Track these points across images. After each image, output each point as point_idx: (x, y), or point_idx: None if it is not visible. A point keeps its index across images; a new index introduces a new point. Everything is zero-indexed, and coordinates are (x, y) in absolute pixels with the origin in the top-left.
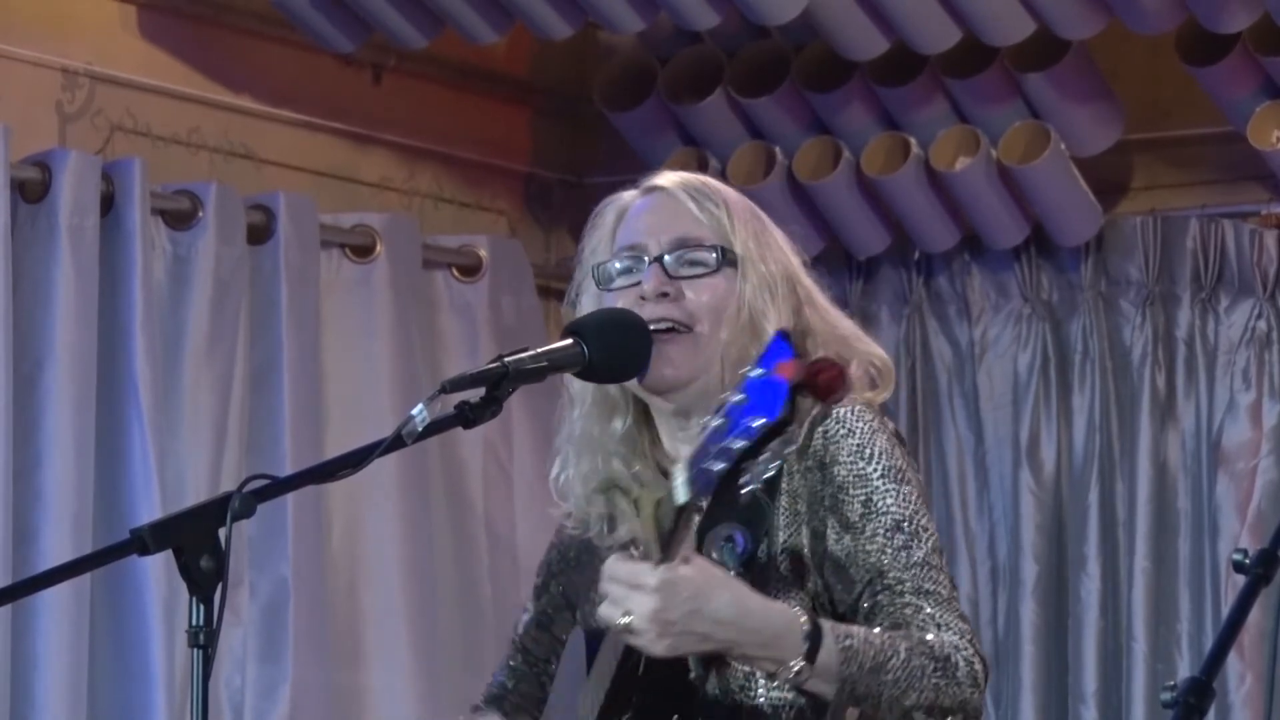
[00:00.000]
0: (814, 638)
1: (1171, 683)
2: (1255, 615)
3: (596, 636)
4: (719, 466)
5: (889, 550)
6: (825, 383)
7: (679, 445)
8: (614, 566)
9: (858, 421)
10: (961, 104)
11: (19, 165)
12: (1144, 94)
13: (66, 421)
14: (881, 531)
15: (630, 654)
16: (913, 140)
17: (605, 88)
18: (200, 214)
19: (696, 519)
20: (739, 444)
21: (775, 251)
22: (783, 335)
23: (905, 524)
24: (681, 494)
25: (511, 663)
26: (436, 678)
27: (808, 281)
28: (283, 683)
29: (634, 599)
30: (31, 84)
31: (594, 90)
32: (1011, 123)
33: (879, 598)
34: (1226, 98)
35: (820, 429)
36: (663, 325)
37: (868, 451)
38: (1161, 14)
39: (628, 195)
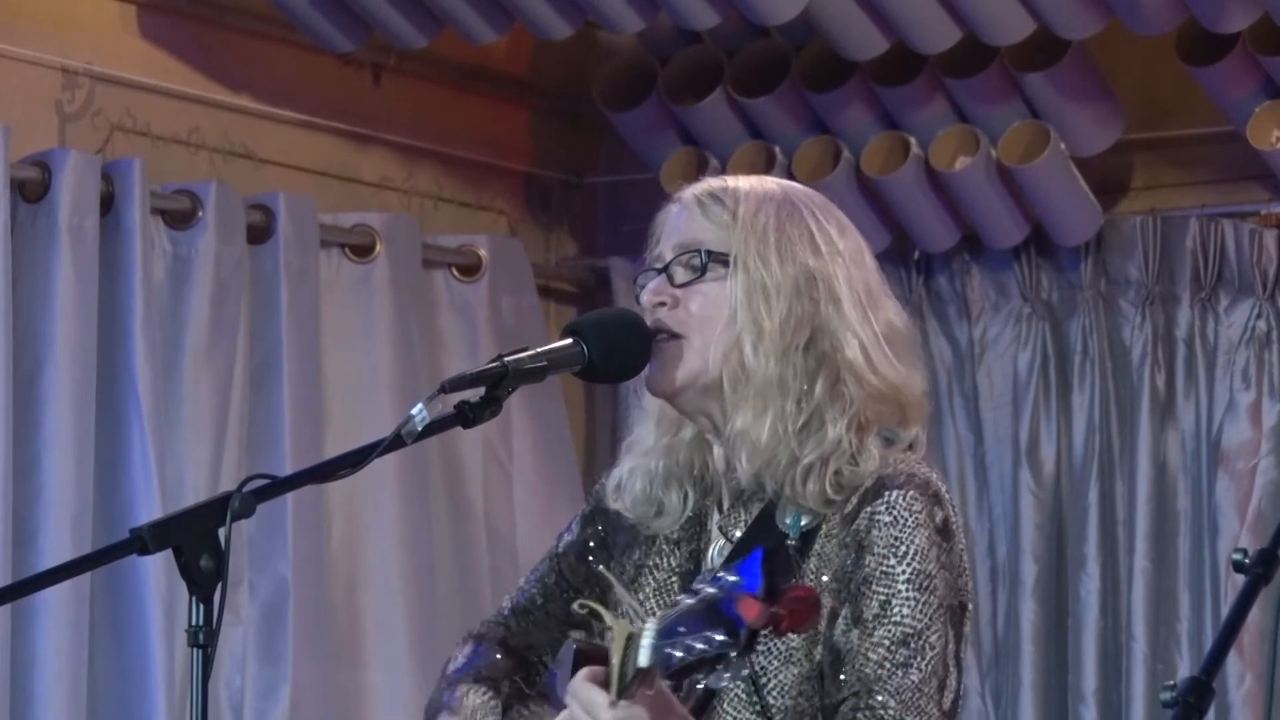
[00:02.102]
0: None
1: (1171, 682)
2: (1255, 615)
3: (591, 653)
4: (679, 656)
5: (887, 665)
6: (789, 628)
7: (714, 448)
8: (576, 687)
9: (905, 511)
10: (961, 104)
11: (19, 165)
12: (1144, 94)
13: (66, 421)
14: (887, 642)
15: None
16: (913, 140)
17: (605, 88)
18: (200, 214)
19: (658, 673)
20: (700, 648)
21: (793, 247)
22: (764, 553)
23: (914, 639)
24: (644, 658)
25: (545, 580)
26: (436, 678)
27: (838, 277)
28: (283, 683)
29: None
30: (31, 84)
31: (594, 90)
32: (1011, 123)
33: (859, 716)
34: (1226, 98)
35: (869, 508)
36: (659, 333)
37: (902, 549)
38: (1161, 14)
39: (668, 207)
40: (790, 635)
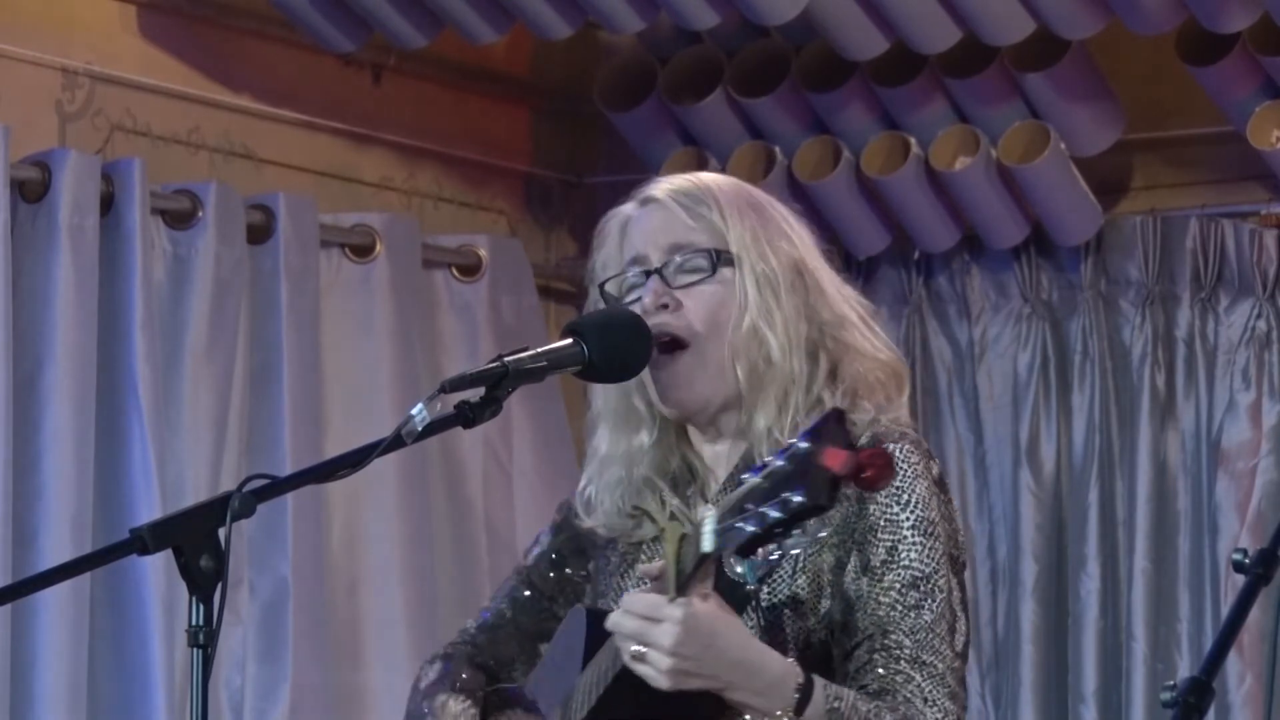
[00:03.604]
0: (805, 691)
1: (1171, 682)
2: (1255, 615)
3: (599, 619)
4: (751, 529)
5: (899, 607)
6: (871, 479)
7: (704, 446)
8: (632, 599)
9: (904, 462)
10: (961, 104)
11: (19, 165)
12: (1144, 94)
13: (66, 421)
14: (898, 585)
15: (629, 673)
16: (913, 140)
17: (605, 88)
18: (200, 214)
19: (713, 568)
20: (775, 515)
21: (778, 241)
22: (838, 415)
23: (923, 582)
24: (708, 543)
25: (515, 594)
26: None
27: (816, 265)
28: (283, 683)
29: (653, 631)
30: (31, 84)
31: (594, 90)
32: (1011, 123)
33: (875, 656)
34: (1226, 98)
35: None
36: (664, 337)
37: (905, 497)
38: (1161, 14)
39: (627, 208)
40: (799, 585)
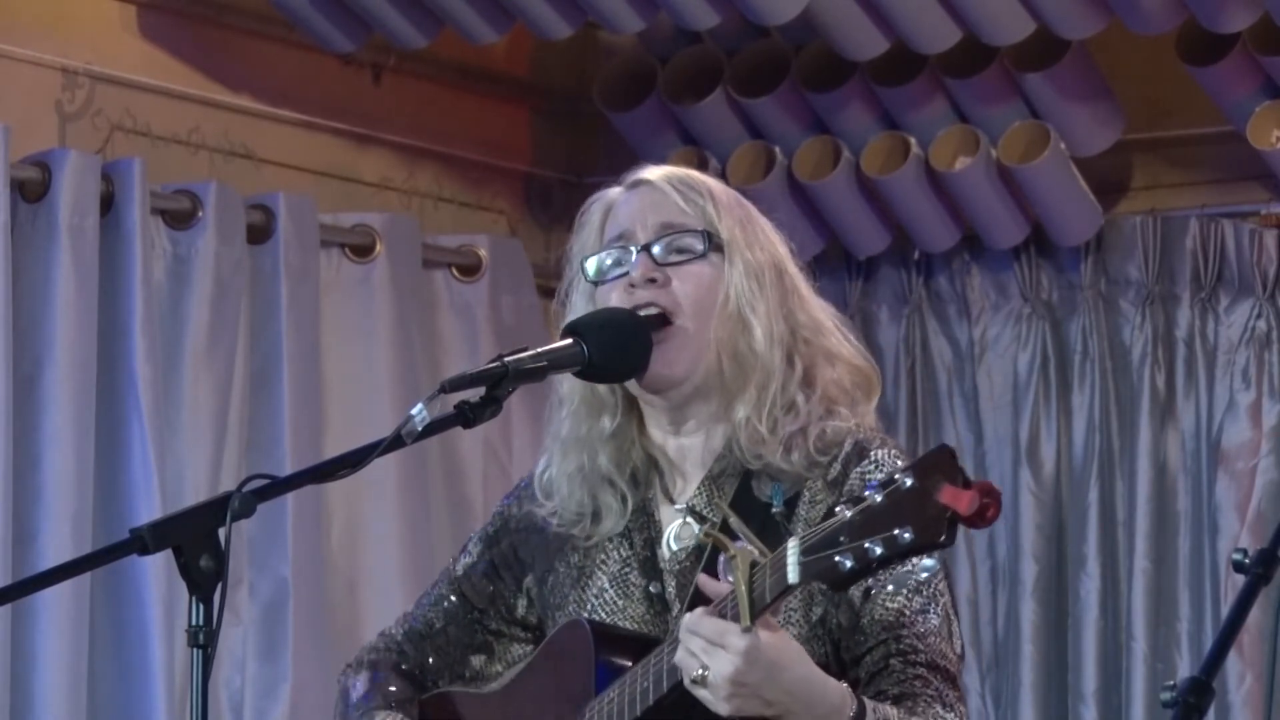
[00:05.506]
0: (859, 716)
1: (1171, 682)
2: (1255, 615)
3: (608, 637)
4: (850, 564)
5: (907, 612)
6: (992, 516)
7: (668, 438)
8: (698, 621)
9: (894, 468)
10: (961, 104)
11: (19, 165)
12: (1144, 94)
13: (66, 421)
14: (905, 590)
15: (673, 691)
16: (913, 140)
17: (605, 88)
18: (200, 214)
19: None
20: (879, 552)
21: (762, 239)
22: (949, 453)
23: (925, 586)
24: (793, 574)
25: (445, 603)
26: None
27: (793, 270)
28: (283, 683)
29: (716, 657)
30: (31, 84)
31: (594, 90)
32: (1011, 123)
33: (892, 661)
34: (1226, 98)
35: (857, 469)
36: (651, 310)
37: None
38: (1161, 14)
39: (613, 191)
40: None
